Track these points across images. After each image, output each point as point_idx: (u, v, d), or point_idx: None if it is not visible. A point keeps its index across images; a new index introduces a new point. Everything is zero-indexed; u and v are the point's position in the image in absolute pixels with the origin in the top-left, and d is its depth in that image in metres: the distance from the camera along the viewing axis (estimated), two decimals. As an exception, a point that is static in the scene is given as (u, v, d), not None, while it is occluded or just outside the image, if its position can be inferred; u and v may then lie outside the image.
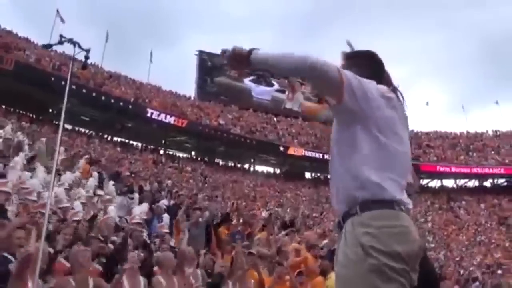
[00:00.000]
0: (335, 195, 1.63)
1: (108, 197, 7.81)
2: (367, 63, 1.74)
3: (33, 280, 3.00)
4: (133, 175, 11.26)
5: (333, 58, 1.61)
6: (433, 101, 63.06)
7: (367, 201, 1.51)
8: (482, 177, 33.02)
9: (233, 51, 1.65)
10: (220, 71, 37.78)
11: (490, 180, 33.87)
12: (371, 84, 1.60)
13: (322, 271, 5.42)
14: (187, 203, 8.14)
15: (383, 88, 1.64)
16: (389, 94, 1.64)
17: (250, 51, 1.61)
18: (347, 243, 1.50)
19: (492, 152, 33.60)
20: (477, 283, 10.14)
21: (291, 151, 30.38)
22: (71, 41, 3.22)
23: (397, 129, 1.61)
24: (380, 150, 1.55)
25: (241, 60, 1.64)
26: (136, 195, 8.78)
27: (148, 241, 6.19)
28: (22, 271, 3.10)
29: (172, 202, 9.41)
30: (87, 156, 12.44)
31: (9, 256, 3.45)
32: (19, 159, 7.65)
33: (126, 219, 6.96)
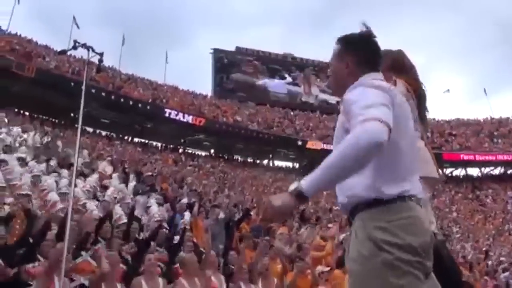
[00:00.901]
0: (341, 193, 1.60)
1: (125, 197, 7.89)
2: (362, 49, 1.71)
3: (59, 278, 3.11)
4: (154, 175, 11.42)
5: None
6: (454, 88, 61.58)
7: (375, 197, 1.49)
8: (508, 164, 32.02)
9: (279, 209, 1.41)
10: (235, 67, 37.98)
11: (517, 167, 32.84)
12: (387, 95, 1.52)
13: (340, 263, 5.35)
14: (202, 201, 8.21)
15: (385, 85, 1.59)
16: (391, 90, 1.59)
17: (298, 193, 1.39)
18: (358, 239, 1.49)
19: (518, 138, 32.56)
20: (507, 273, 9.85)
21: (309, 145, 30.21)
22: (85, 45, 3.29)
23: (405, 123, 1.58)
24: (387, 146, 1.51)
25: (291, 210, 1.44)
26: (153, 195, 8.89)
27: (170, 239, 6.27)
28: (50, 269, 3.22)
29: (192, 200, 9.53)
30: (109, 157, 12.70)
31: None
32: (35, 163, 7.88)
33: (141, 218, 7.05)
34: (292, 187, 1.41)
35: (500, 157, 31.05)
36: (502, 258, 14.36)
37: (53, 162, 8.58)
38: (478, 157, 31.31)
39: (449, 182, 30.07)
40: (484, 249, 18.14)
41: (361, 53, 1.70)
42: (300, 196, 1.38)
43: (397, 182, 1.50)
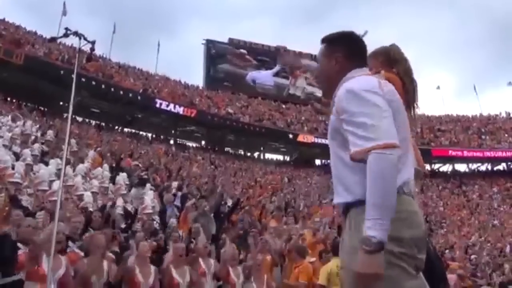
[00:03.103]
0: (338, 192, 1.61)
1: (121, 187, 7.90)
2: (348, 42, 1.72)
3: (48, 262, 3.13)
4: (140, 165, 11.38)
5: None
6: (444, 84, 62.15)
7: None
8: (495, 160, 32.55)
9: (376, 274, 1.33)
10: (224, 58, 37.78)
11: (504, 164, 33.40)
12: (382, 98, 1.52)
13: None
14: (196, 194, 8.23)
15: (377, 84, 1.57)
16: (384, 88, 1.57)
17: (380, 245, 1.34)
18: (352, 230, 1.51)
19: (506, 135, 33.06)
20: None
21: (300, 138, 30.31)
22: (76, 33, 3.23)
23: (399, 117, 1.58)
24: None
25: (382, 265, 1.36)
26: (148, 186, 8.88)
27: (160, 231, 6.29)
28: (35, 253, 3.25)
29: (182, 191, 9.53)
30: (99, 148, 12.61)
31: (19, 245, 3.56)
32: (28, 152, 7.81)
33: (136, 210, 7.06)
34: (368, 246, 1.33)
35: (487, 154, 31.55)
36: (485, 253, 14.67)
37: (37, 150, 8.47)
38: (466, 153, 31.78)
39: (437, 177, 30.48)
40: (469, 243, 18.51)
41: (348, 46, 1.71)
42: (382, 247, 1.34)
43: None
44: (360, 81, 1.57)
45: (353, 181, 1.51)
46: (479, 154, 31.72)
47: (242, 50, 38.19)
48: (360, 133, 1.44)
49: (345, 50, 1.70)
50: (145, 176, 9.92)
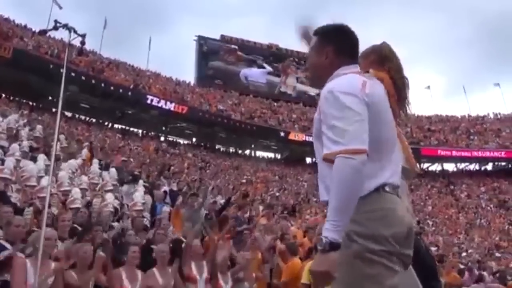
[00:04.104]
0: (324, 192, 1.61)
1: (107, 183, 7.80)
2: (340, 38, 1.70)
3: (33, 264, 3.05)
4: (127, 161, 11.29)
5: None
6: (434, 84, 62.82)
7: None
8: (482, 160, 33.05)
9: (329, 272, 1.35)
10: (215, 55, 37.63)
11: (491, 164, 33.93)
12: (361, 101, 1.51)
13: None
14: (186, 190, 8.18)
15: (359, 86, 1.55)
16: (366, 89, 1.55)
17: (332, 245, 1.35)
18: None
19: (493, 135, 33.57)
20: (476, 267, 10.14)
21: (291, 136, 30.37)
22: (66, 26, 3.16)
23: (385, 115, 1.60)
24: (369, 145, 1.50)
25: (335, 264, 1.37)
26: (141, 182, 8.82)
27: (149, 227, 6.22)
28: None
29: (173, 188, 9.48)
30: (87, 143, 12.45)
31: (6, 244, 3.46)
32: (16, 146, 7.68)
33: (127, 205, 7.00)
34: (320, 246, 1.37)
35: (475, 154, 32.00)
36: (470, 251, 14.90)
37: (25, 146, 8.34)
38: (454, 153, 32.20)
39: (426, 176, 30.83)
40: (456, 242, 18.78)
41: (340, 42, 1.68)
42: (334, 246, 1.36)
43: (376, 175, 1.52)
44: (341, 81, 1.57)
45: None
46: (467, 154, 32.17)
47: (233, 46, 38.07)
48: (330, 135, 1.45)
49: (337, 44, 1.68)
50: (137, 173, 9.86)
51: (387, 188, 1.53)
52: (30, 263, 3.32)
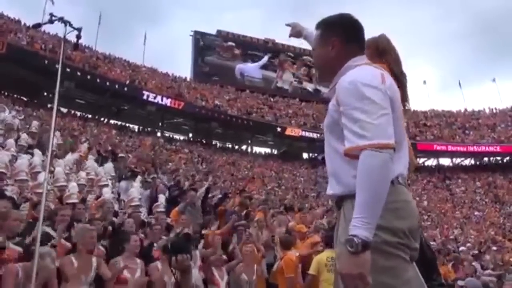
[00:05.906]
0: (330, 180, 1.58)
1: (104, 179, 7.77)
2: (346, 26, 1.65)
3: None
4: (124, 157, 11.26)
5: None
6: (430, 79, 62.95)
7: None
8: (478, 155, 33.24)
9: (362, 273, 1.28)
10: (211, 50, 37.45)
11: (486, 159, 34.13)
12: (383, 94, 1.47)
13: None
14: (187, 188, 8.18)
15: (379, 78, 1.51)
16: (385, 81, 1.52)
17: (365, 244, 1.29)
18: (347, 223, 1.46)
19: (489, 130, 33.75)
20: (477, 261, 10.17)
21: (288, 131, 30.38)
22: (62, 20, 3.11)
23: (397, 107, 1.56)
24: None
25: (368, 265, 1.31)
26: (139, 179, 8.79)
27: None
28: None
29: (170, 183, 9.45)
30: (84, 139, 12.41)
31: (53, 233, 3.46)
32: (12, 142, 7.64)
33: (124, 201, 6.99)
34: (351, 247, 1.29)
35: (470, 149, 32.18)
36: (468, 244, 14.98)
37: (23, 140, 8.29)
38: (450, 148, 32.37)
39: (422, 171, 30.98)
40: (451, 236, 18.90)
41: (346, 30, 1.63)
42: (367, 246, 1.30)
43: (393, 168, 1.47)
44: (362, 73, 1.51)
45: (349, 174, 1.47)
46: (463, 148, 32.34)
47: (230, 43, 37.92)
48: (355, 129, 1.40)
49: (342, 34, 1.63)
50: (137, 169, 9.84)
51: (400, 180, 1.50)
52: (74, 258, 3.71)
